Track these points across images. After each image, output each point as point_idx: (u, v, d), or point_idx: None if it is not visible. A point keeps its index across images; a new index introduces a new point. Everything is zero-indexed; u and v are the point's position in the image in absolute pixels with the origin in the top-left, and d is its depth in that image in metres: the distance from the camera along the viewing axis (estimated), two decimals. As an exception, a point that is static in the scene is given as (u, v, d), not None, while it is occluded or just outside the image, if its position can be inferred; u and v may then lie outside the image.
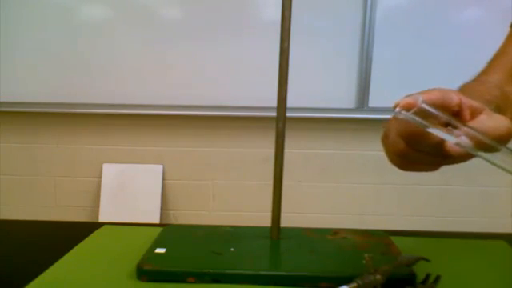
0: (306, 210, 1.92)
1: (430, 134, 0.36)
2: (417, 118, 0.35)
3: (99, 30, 1.73)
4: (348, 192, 1.91)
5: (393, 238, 0.59)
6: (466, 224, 1.90)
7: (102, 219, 1.85)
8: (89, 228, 0.65)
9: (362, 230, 0.62)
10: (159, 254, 0.53)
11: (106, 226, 0.67)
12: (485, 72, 0.57)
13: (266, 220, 0.61)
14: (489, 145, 0.34)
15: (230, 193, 1.93)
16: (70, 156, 1.92)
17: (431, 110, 0.35)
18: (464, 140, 0.35)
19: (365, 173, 1.89)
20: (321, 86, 1.74)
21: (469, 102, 0.38)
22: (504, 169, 0.35)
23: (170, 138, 1.90)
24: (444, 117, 0.35)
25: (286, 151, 0.58)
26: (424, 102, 0.35)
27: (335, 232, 0.61)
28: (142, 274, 0.49)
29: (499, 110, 0.44)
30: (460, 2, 1.69)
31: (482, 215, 1.90)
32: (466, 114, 0.38)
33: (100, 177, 1.90)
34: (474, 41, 1.65)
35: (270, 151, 0.58)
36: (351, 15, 1.69)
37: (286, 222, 0.60)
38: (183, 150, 1.90)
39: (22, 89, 1.78)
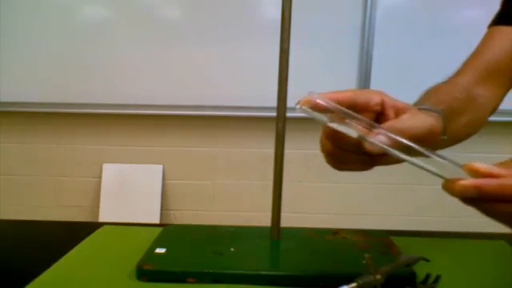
0: (306, 210, 1.92)
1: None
2: (315, 113, 0.36)
3: (99, 30, 1.73)
4: (348, 192, 1.91)
5: (393, 238, 0.59)
6: (465, 224, 1.90)
7: (101, 219, 1.85)
8: (89, 228, 0.65)
9: (361, 230, 0.62)
10: (159, 254, 0.53)
11: (105, 226, 0.67)
12: (458, 72, 0.58)
13: (266, 220, 0.61)
14: (404, 144, 0.35)
15: (230, 193, 1.93)
16: (70, 156, 1.92)
17: (331, 105, 0.36)
18: (379, 138, 0.35)
19: (365, 173, 1.87)
20: (321, 86, 1.73)
21: (392, 102, 0.40)
22: (432, 172, 0.34)
23: (170, 138, 1.89)
24: (346, 114, 0.36)
25: (286, 151, 0.58)
26: (321, 98, 0.36)
27: (335, 232, 0.61)
28: (142, 274, 0.49)
29: (451, 111, 0.45)
30: (460, 2, 1.68)
31: (481, 215, 1.90)
32: (390, 113, 0.39)
33: (100, 177, 1.90)
34: (474, 41, 1.65)
35: (270, 151, 0.58)
36: (351, 15, 1.68)
37: (286, 222, 0.60)
38: (183, 149, 1.90)
39: (22, 89, 1.78)
